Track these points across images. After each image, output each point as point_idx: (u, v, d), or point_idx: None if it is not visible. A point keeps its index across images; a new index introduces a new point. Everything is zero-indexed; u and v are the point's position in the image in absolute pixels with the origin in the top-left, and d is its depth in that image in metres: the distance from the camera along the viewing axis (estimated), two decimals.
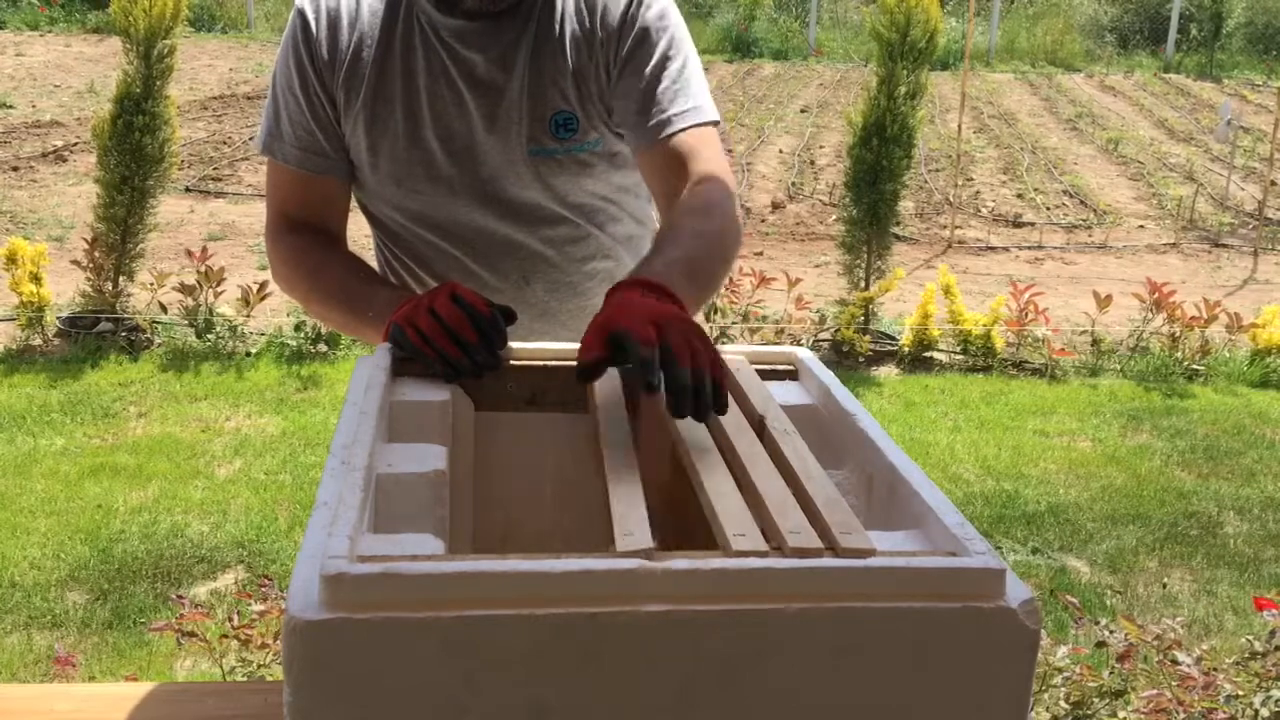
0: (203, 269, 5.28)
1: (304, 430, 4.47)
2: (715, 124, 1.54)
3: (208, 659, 2.69)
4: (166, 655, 3.04)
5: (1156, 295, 5.43)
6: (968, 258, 7.34)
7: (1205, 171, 9.79)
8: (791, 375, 1.32)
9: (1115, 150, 10.61)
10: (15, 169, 8.52)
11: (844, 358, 5.35)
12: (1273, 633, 2.35)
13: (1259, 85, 14.89)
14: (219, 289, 5.31)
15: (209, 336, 5.23)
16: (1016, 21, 17.65)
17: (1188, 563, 3.76)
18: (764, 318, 5.53)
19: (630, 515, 0.92)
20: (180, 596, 2.88)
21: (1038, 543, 3.82)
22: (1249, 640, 2.41)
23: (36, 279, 5.18)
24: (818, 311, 5.64)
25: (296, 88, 1.55)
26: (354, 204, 1.67)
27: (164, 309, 5.36)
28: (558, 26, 1.53)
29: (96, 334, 5.22)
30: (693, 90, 1.52)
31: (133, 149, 5.13)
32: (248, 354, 5.20)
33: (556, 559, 0.84)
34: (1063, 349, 5.46)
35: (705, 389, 1.06)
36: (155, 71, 5.15)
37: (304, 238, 1.59)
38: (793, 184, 8.92)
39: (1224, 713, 2.20)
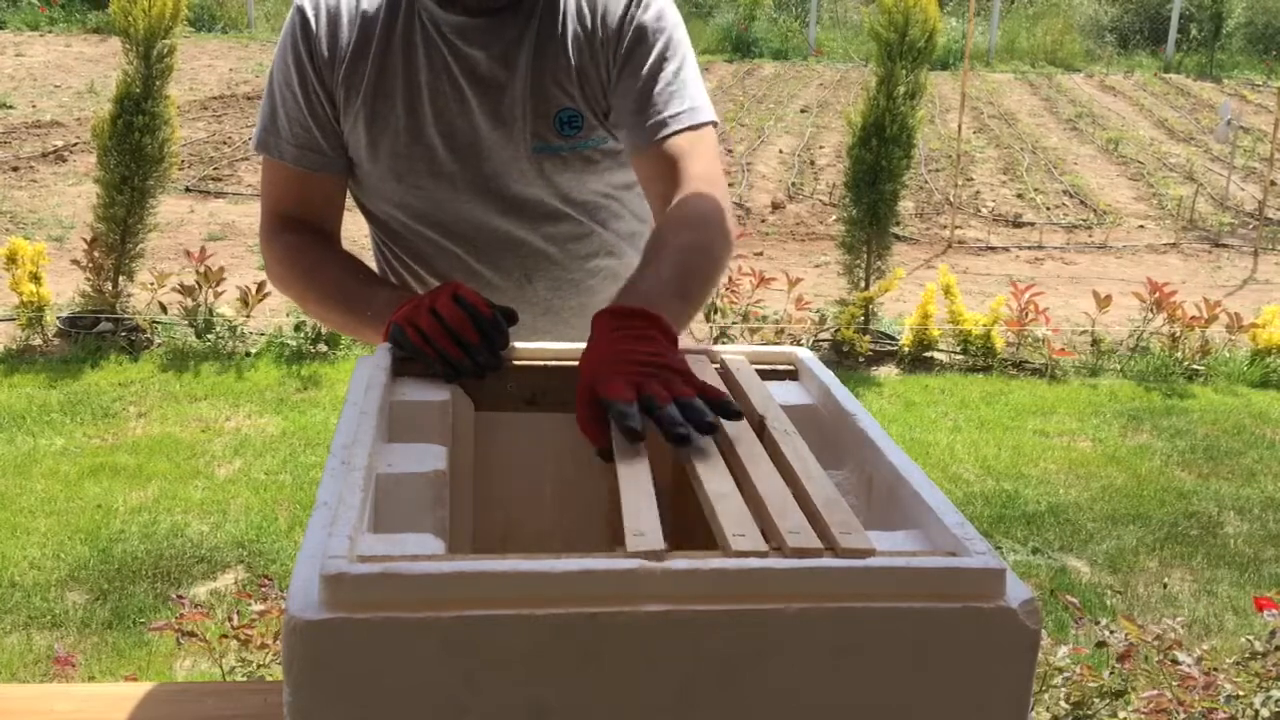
0: (202, 269, 5.28)
1: (304, 430, 4.47)
2: (712, 125, 1.54)
3: (207, 659, 2.69)
4: (166, 655, 3.04)
5: (1157, 295, 5.43)
6: (968, 258, 7.34)
7: (1205, 171, 9.79)
8: (791, 375, 1.32)
9: (1115, 150, 10.61)
10: (15, 169, 8.52)
11: (844, 358, 5.35)
12: (1273, 633, 2.35)
13: (1259, 85, 14.89)
14: (219, 289, 5.32)
15: (209, 336, 5.23)
16: (1016, 21, 17.65)
17: (1188, 563, 3.76)
18: (764, 318, 5.54)
19: (642, 515, 0.92)
20: (180, 596, 2.88)
21: (1038, 543, 3.82)
22: (1249, 640, 2.41)
23: (36, 279, 5.18)
24: (818, 311, 5.65)
25: (295, 85, 1.55)
26: (352, 204, 1.67)
27: (164, 309, 5.36)
28: (560, 25, 1.53)
29: (96, 334, 5.22)
30: (689, 91, 1.52)
31: (133, 149, 5.14)
32: (247, 354, 5.20)
33: (556, 559, 0.84)
34: (1063, 349, 5.47)
35: (695, 409, 1.05)
36: (155, 71, 5.15)
37: (300, 236, 1.58)
38: (793, 184, 8.93)
39: (1224, 713, 2.20)
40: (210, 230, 7.24)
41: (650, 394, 1.06)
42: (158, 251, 6.21)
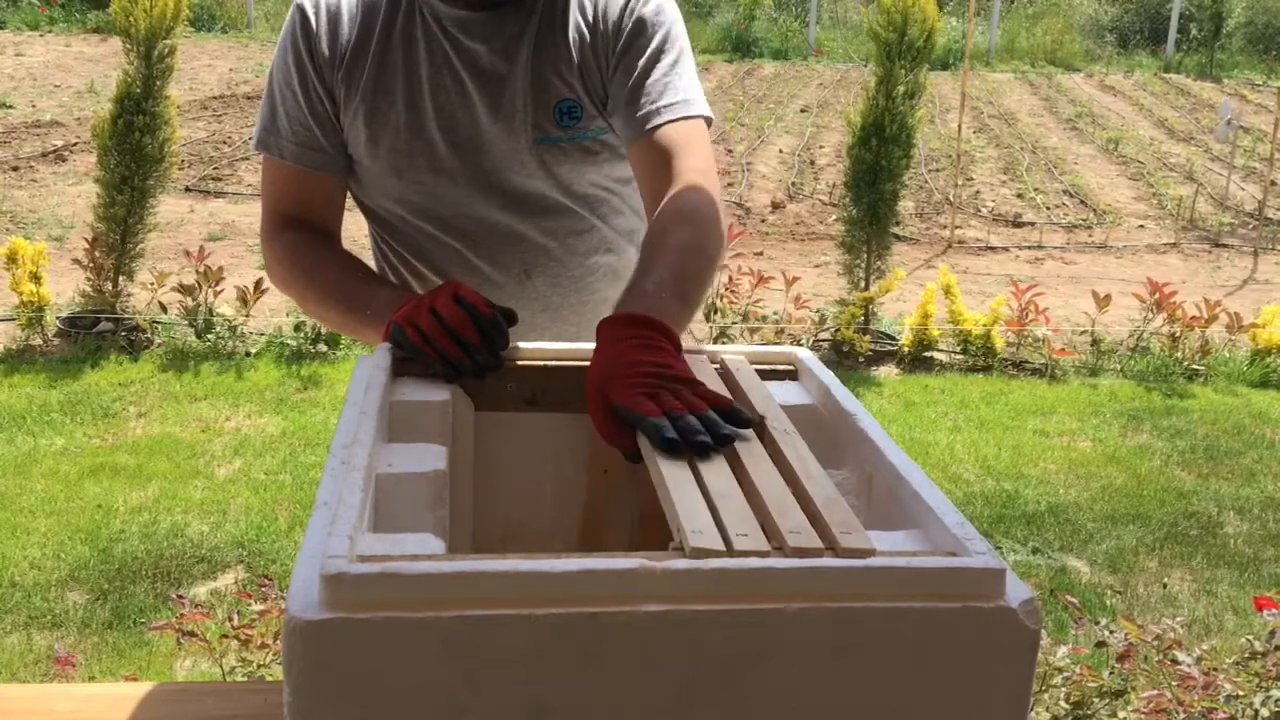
0: (202, 269, 5.28)
1: (304, 430, 4.47)
2: (705, 120, 1.54)
3: (208, 659, 2.69)
4: (166, 655, 3.04)
5: (1157, 295, 5.43)
6: (968, 258, 7.34)
7: (1205, 171, 9.79)
8: (791, 375, 1.32)
9: (1115, 150, 10.61)
10: (15, 169, 8.52)
11: (844, 358, 5.35)
12: (1273, 633, 2.35)
13: (1259, 85, 14.90)
14: (218, 289, 5.32)
15: (209, 336, 5.23)
16: (1016, 21, 17.65)
17: (1188, 563, 3.76)
18: (763, 318, 5.54)
19: (696, 515, 0.92)
20: (180, 596, 2.88)
21: (1038, 543, 3.82)
22: (1249, 640, 2.41)
23: (36, 279, 5.18)
24: (818, 311, 5.65)
25: (295, 84, 1.55)
26: (351, 203, 1.67)
27: (164, 309, 5.36)
28: (561, 17, 1.54)
29: (96, 334, 5.22)
30: (683, 85, 1.53)
31: (133, 149, 5.14)
32: (247, 354, 5.20)
33: (556, 559, 0.84)
34: (1063, 349, 5.47)
35: (711, 421, 1.05)
36: (155, 71, 5.15)
37: (300, 235, 1.58)
38: (793, 184, 8.93)
39: (1224, 713, 2.20)
40: (210, 230, 7.24)
41: (669, 408, 1.06)
42: (158, 251, 6.22)
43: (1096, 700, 2.31)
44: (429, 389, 1.21)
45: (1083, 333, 5.66)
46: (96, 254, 5.26)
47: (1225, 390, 5.26)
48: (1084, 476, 4.35)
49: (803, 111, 12.10)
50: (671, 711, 0.85)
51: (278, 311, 5.49)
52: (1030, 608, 0.86)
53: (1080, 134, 11.42)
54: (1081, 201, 8.76)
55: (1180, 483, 4.32)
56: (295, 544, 3.60)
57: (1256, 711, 2.20)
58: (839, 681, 0.85)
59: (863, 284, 5.63)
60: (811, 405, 1.24)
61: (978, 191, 8.98)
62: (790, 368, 1.33)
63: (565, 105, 1.54)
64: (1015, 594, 0.86)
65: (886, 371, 5.34)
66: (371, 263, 1.66)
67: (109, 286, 5.30)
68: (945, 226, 7.84)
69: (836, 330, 5.43)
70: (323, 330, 5.22)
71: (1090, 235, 7.94)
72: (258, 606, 2.45)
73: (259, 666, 2.36)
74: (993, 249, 7.56)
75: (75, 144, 9.27)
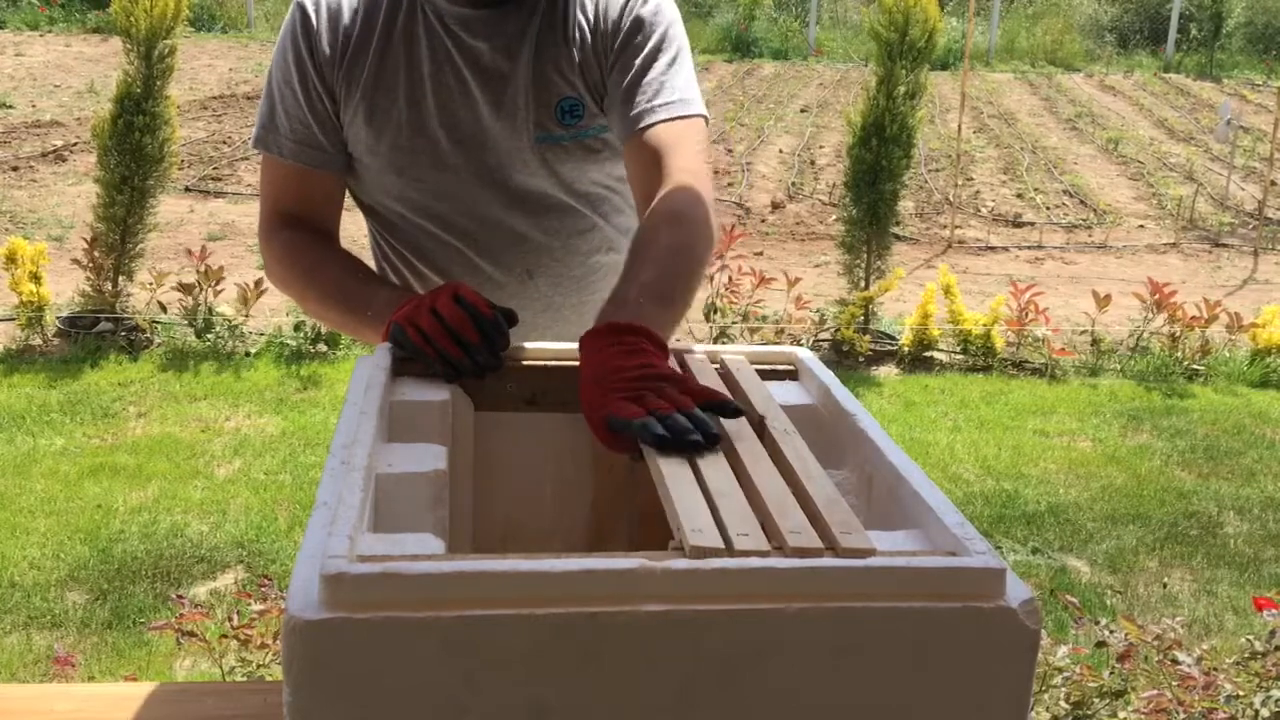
0: (202, 269, 5.28)
1: (304, 430, 4.47)
2: (702, 119, 1.54)
3: (207, 659, 2.69)
4: (166, 655, 3.04)
5: (1157, 295, 5.43)
6: (968, 258, 7.34)
7: (1205, 171, 9.79)
8: (791, 375, 1.32)
9: (1115, 150, 10.61)
10: (15, 169, 8.52)
11: (844, 358, 5.35)
12: (1273, 633, 2.35)
13: (1259, 85, 14.90)
14: (218, 289, 5.32)
15: (208, 336, 5.23)
16: (1016, 21, 17.65)
17: (1188, 563, 3.76)
18: (764, 318, 5.53)
19: (696, 514, 0.92)
20: (180, 596, 2.88)
21: (1038, 543, 3.82)
22: (1249, 640, 2.41)
23: (36, 279, 5.18)
24: (818, 311, 5.64)
25: (295, 82, 1.55)
26: (350, 204, 1.66)
27: (163, 309, 5.36)
28: (562, 16, 1.54)
29: (96, 334, 5.22)
30: (679, 84, 1.53)
31: (133, 149, 5.13)
32: (247, 354, 5.20)
33: (556, 559, 0.84)
34: (1063, 349, 5.46)
35: (698, 419, 1.06)
36: (155, 71, 5.15)
37: (299, 234, 1.58)
38: (793, 184, 8.93)
39: (1224, 713, 2.20)
40: (210, 230, 7.24)
41: (654, 408, 1.07)
42: (157, 251, 6.22)
43: (1096, 700, 2.31)
44: (429, 389, 1.21)
45: (1083, 333, 5.66)
46: (96, 254, 5.26)
47: (1225, 390, 5.26)
48: (1084, 476, 4.35)
49: (803, 111, 12.10)
50: (672, 711, 0.85)
51: (278, 311, 5.49)
52: (1030, 608, 0.86)
53: (1080, 134, 11.42)
54: (1081, 201, 8.76)
55: (1180, 483, 4.32)
56: (295, 544, 3.60)
57: (1256, 711, 2.20)
58: (839, 681, 0.85)
59: (863, 284, 5.63)
60: (811, 405, 1.24)
61: (978, 191, 8.98)
62: (790, 368, 1.34)
63: (567, 104, 1.54)
64: (1015, 594, 0.86)
65: (886, 371, 5.34)
66: (371, 263, 1.66)
67: (109, 286, 5.30)
68: (945, 226, 7.84)
69: (836, 330, 5.43)
70: (322, 330, 5.22)
71: (1090, 235, 7.94)
72: (257, 606, 2.45)
73: (259, 666, 2.36)
74: (993, 249, 7.56)
75: (75, 144, 9.27)
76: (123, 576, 3.42)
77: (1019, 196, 8.86)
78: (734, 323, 5.40)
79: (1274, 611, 2.40)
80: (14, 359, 5.06)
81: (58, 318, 5.30)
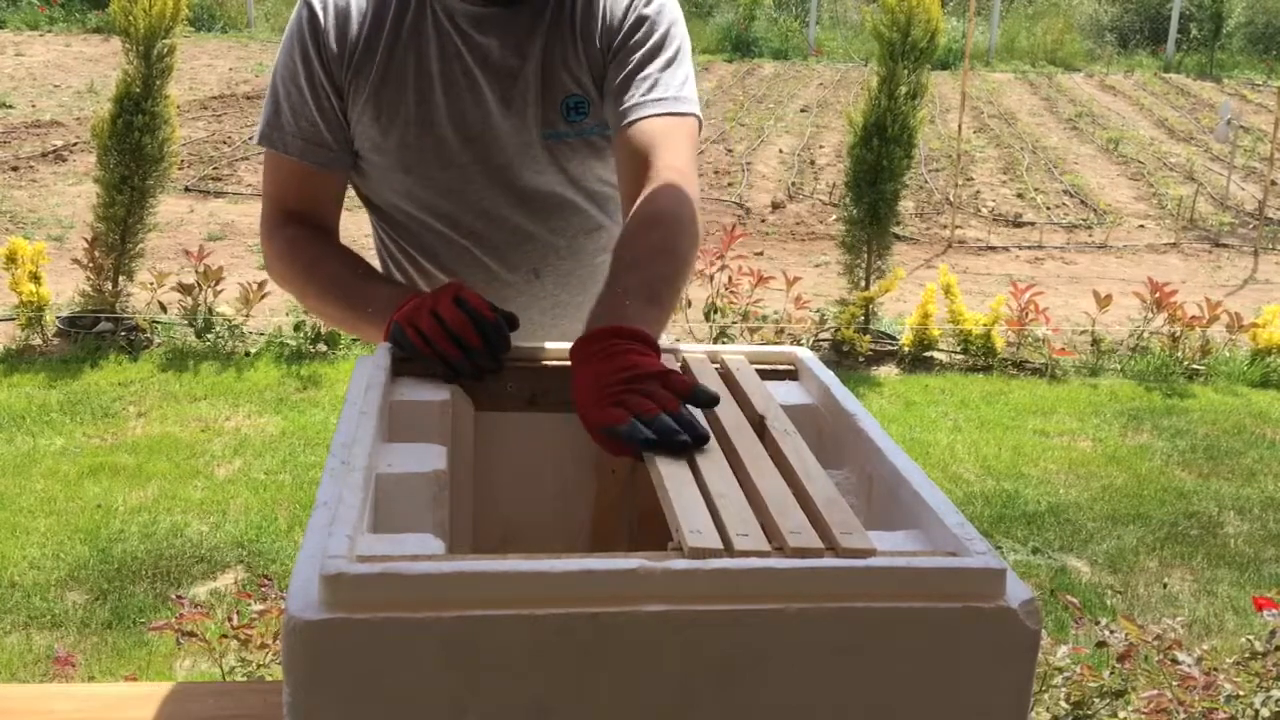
0: (202, 268, 5.28)
1: (304, 430, 4.47)
2: (694, 119, 1.54)
3: (207, 659, 2.69)
4: (166, 655, 3.04)
5: (1157, 295, 5.43)
6: (968, 257, 7.34)
7: (1205, 171, 9.79)
8: (791, 375, 1.32)
9: (1115, 150, 10.61)
10: (15, 169, 8.52)
11: (844, 357, 5.35)
12: (1273, 633, 2.35)
13: (1259, 85, 14.89)
14: (218, 288, 5.32)
15: (208, 336, 5.23)
16: (1016, 21, 17.65)
17: (1188, 563, 3.76)
18: (764, 317, 5.53)
19: (695, 515, 0.92)
20: (180, 596, 2.88)
21: (1038, 543, 3.82)
22: (1249, 640, 2.41)
23: (36, 278, 5.18)
24: (818, 311, 5.64)
25: (301, 79, 1.55)
26: (352, 203, 1.66)
27: (163, 309, 5.36)
28: (569, 14, 1.55)
29: (96, 334, 5.22)
30: (673, 82, 1.53)
31: (132, 149, 5.13)
32: (247, 354, 5.20)
33: (556, 559, 0.83)
34: (1063, 349, 5.46)
35: (685, 420, 1.07)
36: (155, 71, 5.15)
37: (300, 230, 1.58)
38: (793, 184, 8.93)
39: (1224, 713, 2.20)
40: (210, 230, 7.24)
41: (638, 411, 1.07)
42: (157, 251, 6.22)
43: (1097, 700, 2.31)
44: (429, 389, 1.21)
45: (1083, 332, 5.66)
46: (96, 254, 5.26)
47: (1225, 390, 5.26)
48: (1084, 476, 4.35)
49: (803, 111, 12.10)
50: (672, 712, 0.85)
51: (277, 311, 5.49)
52: (1030, 608, 0.86)
53: (1080, 134, 11.41)
54: (1082, 201, 8.76)
55: (1180, 482, 4.32)
56: (295, 544, 3.60)
57: (1257, 711, 2.20)
58: (839, 682, 0.85)
59: (863, 284, 5.63)
60: (811, 405, 1.24)
61: (978, 191, 8.98)
62: (790, 368, 1.33)
63: (573, 101, 1.55)
64: (1015, 594, 0.86)
65: (886, 371, 5.34)
66: (375, 262, 1.66)
67: (109, 286, 5.30)
68: (945, 226, 7.84)
69: (837, 330, 5.43)
70: (322, 330, 5.22)
71: (1090, 235, 7.94)
72: (257, 606, 2.45)
73: (259, 666, 2.36)
74: (993, 249, 7.56)
75: (75, 144, 9.27)
76: (123, 576, 3.42)
77: (1019, 196, 8.86)
78: (734, 323, 5.40)
79: (1274, 611, 2.40)
80: (14, 359, 5.06)
81: (58, 318, 5.30)
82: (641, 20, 1.55)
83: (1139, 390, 5.22)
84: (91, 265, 5.26)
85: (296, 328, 5.27)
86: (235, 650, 2.41)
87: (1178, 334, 5.44)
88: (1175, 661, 2.34)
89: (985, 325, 5.39)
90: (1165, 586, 3.59)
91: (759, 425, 1.12)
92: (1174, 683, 2.28)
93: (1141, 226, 8.22)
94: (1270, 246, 7.79)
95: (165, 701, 1.39)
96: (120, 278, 5.32)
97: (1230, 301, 6.09)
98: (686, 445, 1.04)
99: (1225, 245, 7.82)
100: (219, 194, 8.12)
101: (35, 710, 1.38)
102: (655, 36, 1.54)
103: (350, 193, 1.66)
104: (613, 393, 1.11)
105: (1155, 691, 2.27)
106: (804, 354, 1.33)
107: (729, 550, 0.87)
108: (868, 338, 5.38)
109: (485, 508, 1.27)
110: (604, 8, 1.55)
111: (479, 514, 1.26)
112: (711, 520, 0.91)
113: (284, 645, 0.81)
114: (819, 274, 6.75)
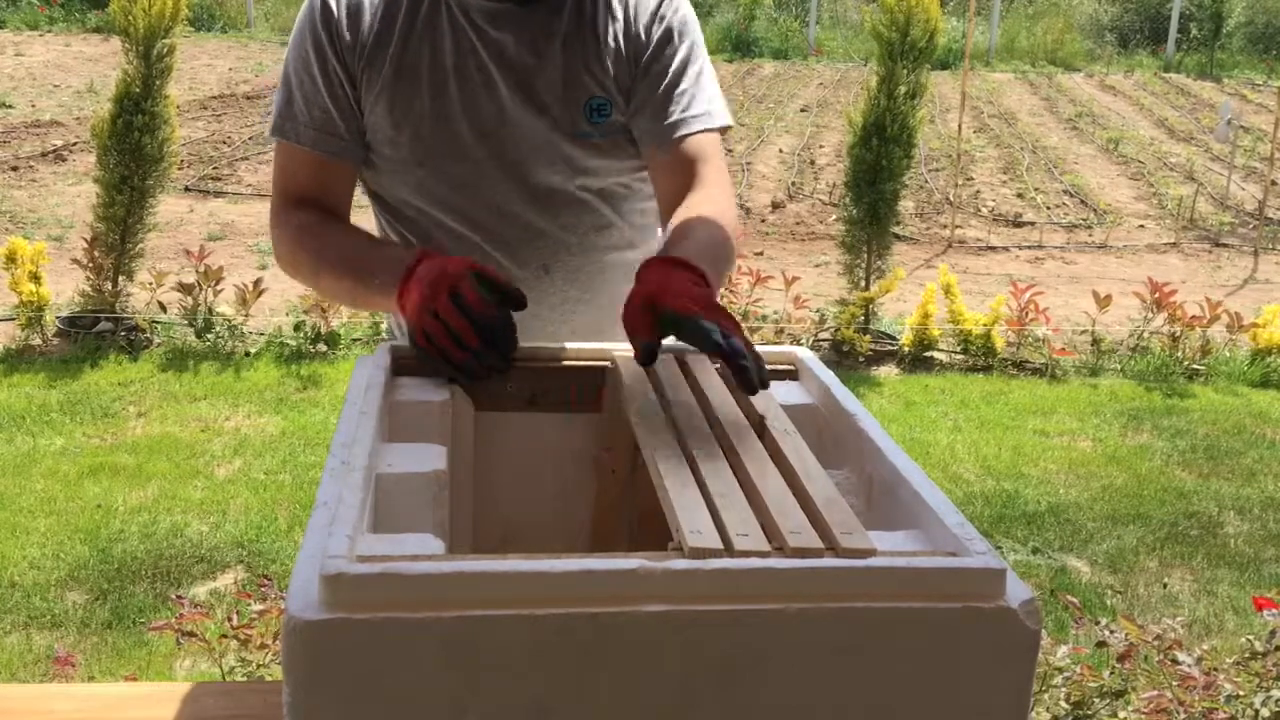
0: (201, 268, 5.28)
1: (304, 430, 4.47)
2: (725, 129, 1.61)
3: (207, 659, 2.69)
4: (166, 655, 3.04)
5: (1157, 295, 5.43)
6: (968, 257, 7.34)
7: (1205, 171, 9.79)
8: (791, 375, 1.32)
9: (1115, 150, 10.61)
10: (15, 169, 8.52)
11: (844, 357, 5.35)
12: (1273, 633, 2.35)
13: (1259, 85, 14.89)
14: (218, 288, 5.32)
15: (208, 336, 5.23)
16: (1016, 21, 17.65)
17: (1188, 563, 3.76)
18: (763, 317, 5.54)
19: (695, 515, 0.92)
20: (180, 596, 2.88)
21: (1038, 543, 3.82)
22: (1249, 640, 2.41)
23: (36, 278, 5.18)
24: (818, 311, 5.64)
25: (315, 69, 1.55)
26: (358, 202, 1.66)
27: (163, 308, 5.36)
28: (591, 16, 1.56)
29: (96, 334, 5.22)
30: (709, 95, 1.59)
31: (132, 149, 5.13)
32: (247, 354, 5.20)
33: (556, 559, 0.84)
34: (1063, 349, 5.46)
35: (753, 364, 1.13)
36: (155, 71, 5.15)
37: (310, 215, 1.58)
38: (793, 184, 8.93)
39: (1224, 713, 2.20)
40: (210, 230, 7.24)
41: (718, 321, 1.14)
42: (157, 251, 6.21)
43: (1097, 700, 2.31)
44: (429, 389, 1.21)
45: (1083, 332, 5.66)
46: (96, 254, 5.26)
47: (1225, 390, 5.26)
48: (1084, 476, 4.35)
49: (803, 111, 12.10)
50: (672, 712, 0.85)
51: (277, 311, 5.49)
52: (1030, 608, 0.86)
53: (1080, 134, 11.41)
54: (1082, 201, 8.76)
55: (1180, 483, 4.32)
56: (295, 544, 3.60)
57: (1257, 711, 2.20)
58: (839, 681, 0.85)
59: (863, 284, 5.63)
60: (811, 405, 1.24)
61: (978, 191, 8.98)
62: (790, 367, 1.34)
63: (596, 103, 1.57)
64: (1015, 594, 0.86)
65: (886, 371, 5.34)
66: None
67: (108, 286, 5.30)
68: (945, 226, 7.84)
69: (836, 330, 5.43)
70: (322, 330, 5.22)
71: (1090, 235, 7.94)
72: (257, 606, 2.45)
73: (259, 666, 2.36)
74: (993, 249, 7.56)
75: (75, 144, 9.27)
76: (123, 576, 3.42)
77: (1019, 196, 8.86)
78: None
79: (1274, 611, 2.40)
80: (14, 359, 5.06)
81: (58, 317, 5.30)
82: (670, 32, 1.58)
83: (1139, 390, 5.22)
84: (91, 265, 5.26)
85: (296, 328, 5.27)
86: (235, 650, 2.41)
87: (1178, 334, 5.44)
88: (1175, 661, 2.34)
89: (985, 325, 5.39)
90: (1165, 586, 3.59)
91: (759, 425, 1.12)
92: (1174, 683, 2.28)
93: (1141, 226, 8.22)
94: (1270, 246, 7.79)
95: (165, 701, 1.39)
96: (120, 278, 5.32)
97: (1230, 301, 6.09)
98: (746, 372, 1.11)
99: (1225, 245, 7.82)
100: (219, 194, 8.12)
101: (35, 710, 1.38)
102: (685, 48, 1.59)
103: (357, 192, 1.66)
104: (697, 297, 1.19)
105: (1155, 692, 2.27)
106: (804, 354, 1.33)
107: (729, 550, 0.87)
108: (868, 338, 5.38)
109: (485, 508, 1.27)
110: (628, 13, 1.58)
111: (479, 514, 1.26)
112: (711, 520, 0.91)
113: (284, 645, 0.81)
114: (819, 274, 6.74)
